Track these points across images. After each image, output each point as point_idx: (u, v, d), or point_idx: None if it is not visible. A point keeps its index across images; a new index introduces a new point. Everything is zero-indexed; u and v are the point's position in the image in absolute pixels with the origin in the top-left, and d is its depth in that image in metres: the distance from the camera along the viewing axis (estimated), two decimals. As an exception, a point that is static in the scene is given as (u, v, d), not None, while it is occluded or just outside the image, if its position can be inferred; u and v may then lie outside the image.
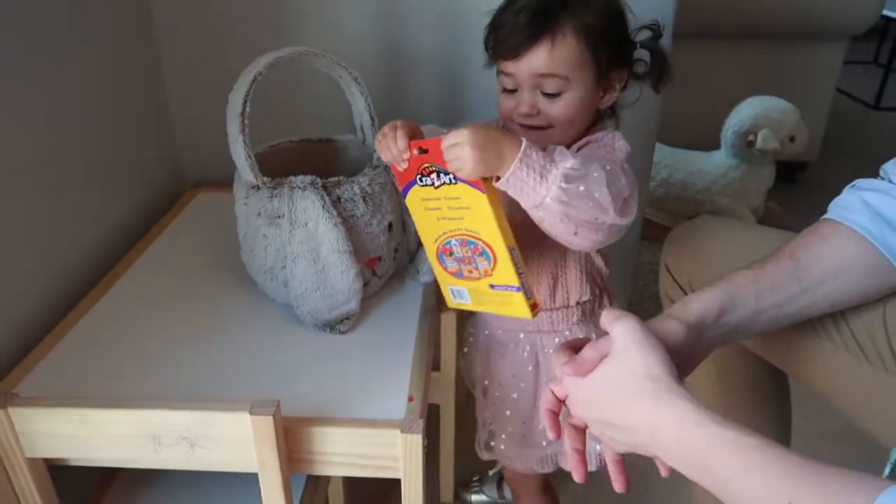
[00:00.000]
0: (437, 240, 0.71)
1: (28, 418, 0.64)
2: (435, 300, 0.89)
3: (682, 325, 0.60)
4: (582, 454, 0.61)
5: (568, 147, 0.69)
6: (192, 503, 0.78)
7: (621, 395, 0.53)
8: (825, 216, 0.67)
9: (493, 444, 0.90)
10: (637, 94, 0.78)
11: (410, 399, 0.70)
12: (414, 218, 0.72)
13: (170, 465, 0.67)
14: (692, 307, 0.62)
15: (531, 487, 1.00)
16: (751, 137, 1.71)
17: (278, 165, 0.85)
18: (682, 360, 0.58)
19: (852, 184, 0.68)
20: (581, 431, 0.61)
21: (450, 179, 0.65)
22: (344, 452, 0.67)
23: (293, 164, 0.87)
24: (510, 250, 0.66)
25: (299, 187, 0.78)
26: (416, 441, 0.65)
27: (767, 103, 1.73)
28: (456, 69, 1.11)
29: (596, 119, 0.77)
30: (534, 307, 0.69)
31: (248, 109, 0.77)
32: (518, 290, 0.68)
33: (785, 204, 1.99)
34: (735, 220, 0.90)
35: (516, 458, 0.89)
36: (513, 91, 0.74)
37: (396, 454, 0.66)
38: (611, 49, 0.73)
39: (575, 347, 0.60)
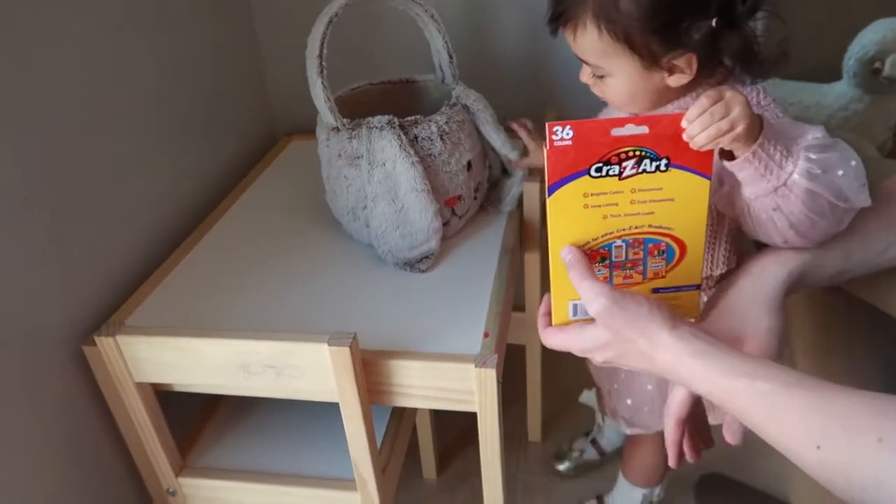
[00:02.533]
0: (588, 243, 0.57)
1: (134, 346, 0.70)
2: (517, 238, 0.88)
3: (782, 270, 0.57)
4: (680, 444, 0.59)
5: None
6: (282, 432, 0.83)
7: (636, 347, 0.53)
8: None
9: (632, 417, 0.88)
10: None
11: (486, 335, 0.70)
12: (553, 220, 0.56)
13: (258, 393, 0.72)
14: (788, 255, 0.58)
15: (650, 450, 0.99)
16: (877, 65, 1.55)
17: (359, 108, 0.86)
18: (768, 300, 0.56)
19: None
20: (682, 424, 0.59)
21: (663, 165, 0.53)
22: (421, 385, 0.69)
23: (375, 106, 0.87)
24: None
25: (377, 127, 0.78)
26: (491, 375, 0.66)
27: (898, 25, 1.55)
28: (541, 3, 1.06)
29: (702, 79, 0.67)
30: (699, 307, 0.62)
31: (325, 51, 0.78)
32: (696, 288, 0.60)
33: (918, 139, 1.80)
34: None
35: (654, 425, 0.87)
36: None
37: (472, 388, 0.67)
38: (655, 38, 0.63)
39: None
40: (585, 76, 0.71)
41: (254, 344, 0.67)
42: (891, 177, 0.61)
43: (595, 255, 0.57)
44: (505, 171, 0.91)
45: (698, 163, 0.53)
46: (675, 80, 0.66)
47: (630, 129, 0.52)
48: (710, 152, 0.53)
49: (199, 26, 1.00)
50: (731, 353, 0.49)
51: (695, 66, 0.64)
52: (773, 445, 0.45)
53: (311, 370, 0.67)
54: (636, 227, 0.56)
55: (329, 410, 0.73)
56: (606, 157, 0.52)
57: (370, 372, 0.68)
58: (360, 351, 0.67)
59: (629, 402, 0.87)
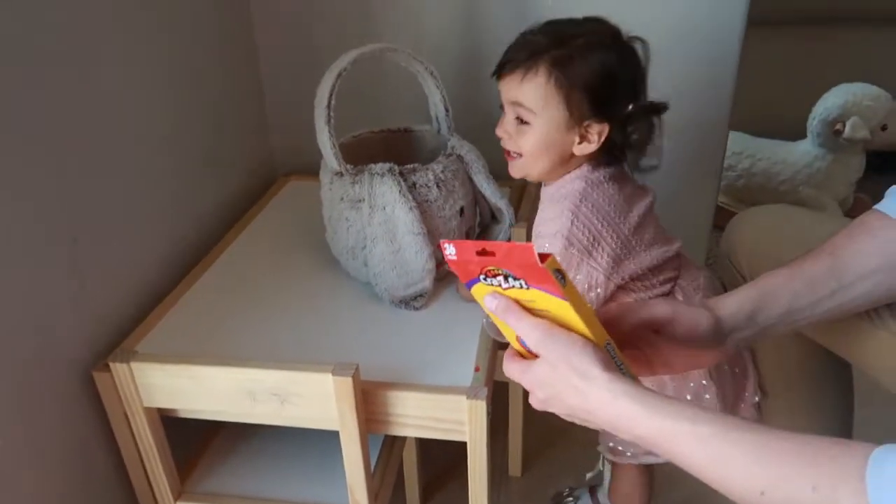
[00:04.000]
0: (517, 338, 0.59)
1: (146, 372, 0.74)
2: (504, 281, 0.94)
3: (711, 318, 0.62)
4: None
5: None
6: (281, 458, 0.87)
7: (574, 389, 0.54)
8: (876, 206, 0.67)
9: (619, 448, 0.90)
10: (657, 162, 0.80)
11: (477, 369, 0.76)
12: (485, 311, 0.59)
13: (263, 420, 0.76)
14: (727, 303, 0.64)
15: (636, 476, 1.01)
16: (839, 126, 1.66)
17: (360, 154, 0.93)
18: (709, 345, 0.62)
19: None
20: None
21: (520, 284, 0.55)
22: (416, 415, 0.74)
23: (374, 153, 0.94)
24: (606, 347, 0.57)
25: (378, 174, 0.84)
26: (481, 406, 0.71)
27: (857, 90, 1.67)
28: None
29: (582, 160, 0.79)
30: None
31: (333, 102, 0.85)
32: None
33: (878, 196, 1.91)
34: (796, 208, 0.91)
35: (639, 457, 0.90)
36: (502, 112, 0.80)
37: (463, 418, 0.72)
38: (588, 101, 0.74)
39: None
40: (508, 125, 0.78)
41: (262, 373, 0.72)
42: (837, 233, 0.68)
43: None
44: (494, 217, 0.98)
45: (550, 287, 0.53)
46: (581, 149, 0.77)
47: (484, 254, 0.55)
48: (551, 279, 0.53)
49: (208, 72, 1.06)
50: (667, 397, 0.50)
51: (602, 139, 0.76)
52: (713, 487, 0.47)
53: (314, 399, 0.72)
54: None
55: (325, 438, 0.77)
56: (481, 273, 0.56)
57: (369, 401, 0.73)
58: (362, 381, 0.71)
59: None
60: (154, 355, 0.76)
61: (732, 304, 0.64)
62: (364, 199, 0.85)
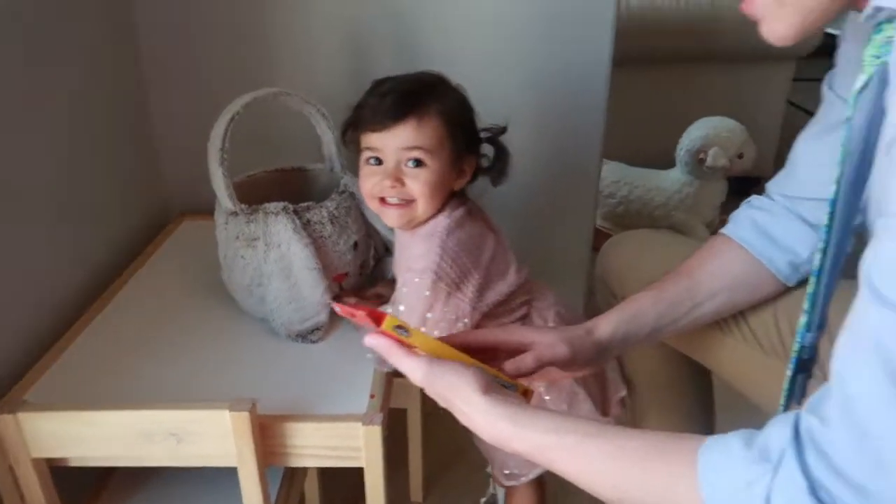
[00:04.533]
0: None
1: (35, 422, 0.73)
2: (398, 311, 0.98)
3: (588, 337, 0.70)
4: None
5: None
6: (178, 499, 0.87)
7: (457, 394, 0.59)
8: (721, 230, 0.78)
9: (515, 471, 0.94)
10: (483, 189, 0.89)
11: (372, 396, 0.79)
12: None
13: (160, 462, 0.76)
14: (602, 328, 0.72)
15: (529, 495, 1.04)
16: (702, 155, 1.84)
17: (255, 193, 0.95)
18: (582, 362, 0.69)
19: (748, 199, 0.79)
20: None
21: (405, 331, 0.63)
22: (314, 444, 0.76)
23: (269, 192, 0.96)
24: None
25: (273, 212, 0.87)
26: (377, 432, 0.75)
27: (716, 123, 1.85)
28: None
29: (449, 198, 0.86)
30: (525, 393, 0.67)
31: (227, 144, 0.87)
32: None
33: (740, 217, 2.11)
34: (660, 232, 1.01)
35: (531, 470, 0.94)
36: (375, 165, 0.82)
37: (359, 445, 0.75)
38: (464, 137, 0.84)
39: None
40: (395, 174, 0.80)
41: (158, 414, 0.72)
42: (692, 256, 0.78)
43: None
44: (387, 250, 1.03)
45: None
46: (460, 183, 0.86)
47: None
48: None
49: (94, 109, 1.06)
50: (538, 412, 0.57)
51: (472, 171, 0.85)
52: (586, 490, 0.53)
53: (211, 436, 0.73)
54: None
55: (221, 475, 0.78)
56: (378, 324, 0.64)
57: (267, 435, 0.75)
58: (259, 416, 0.74)
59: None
60: (43, 404, 0.74)
61: (608, 328, 0.72)
62: (259, 238, 0.88)
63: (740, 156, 1.86)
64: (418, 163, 0.81)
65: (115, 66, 1.13)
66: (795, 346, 0.60)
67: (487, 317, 0.87)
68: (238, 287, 0.93)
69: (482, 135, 0.87)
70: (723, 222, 2.11)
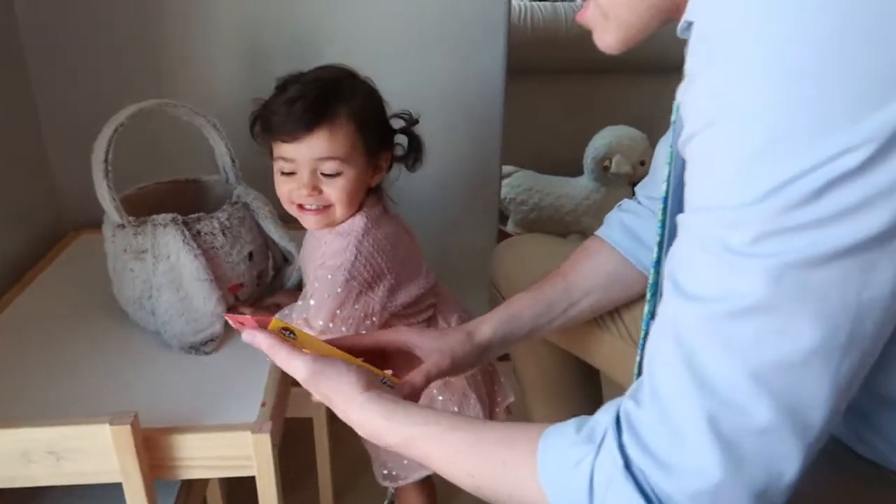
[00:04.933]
0: None
1: None
2: (296, 320, 0.99)
3: (469, 341, 0.73)
4: None
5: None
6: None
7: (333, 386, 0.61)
8: (596, 232, 0.82)
9: (393, 472, 0.94)
10: (398, 175, 0.92)
11: (263, 405, 0.80)
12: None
13: (40, 481, 0.74)
14: (483, 329, 0.75)
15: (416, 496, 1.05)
16: (606, 163, 1.92)
17: (148, 205, 0.94)
18: (466, 365, 0.72)
19: (620, 203, 0.83)
20: None
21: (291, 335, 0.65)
22: (202, 456, 0.76)
23: (162, 204, 0.96)
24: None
25: (161, 224, 0.87)
26: (265, 440, 0.75)
27: (619, 132, 1.94)
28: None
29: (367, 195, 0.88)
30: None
31: (111, 157, 0.86)
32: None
33: (647, 221, 2.21)
34: (546, 237, 1.06)
35: (411, 474, 0.95)
36: (290, 174, 0.83)
37: (249, 454, 0.76)
38: (377, 133, 0.85)
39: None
40: (311, 183, 0.81)
41: (35, 431, 0.70)
42: (569, 257, 0.82)
43: None
44: (286, 260, 1.03)
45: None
46: (375, 180, 0.86)
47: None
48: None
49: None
50: (412, 407, 0.59)
51: (389, 164, 0.86)
52: (450, 480, 0.55)
53: (93, 452, 0.71)
54: None
55: (115, 490, 0.76)
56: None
57: (153, 448, 0.74)
58: (143, 429, 0.73)
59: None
60: None
61: (488, 331, 0.75)
62: (147, 250, 0.87)
63: (642, 163, 1.94)
64: (328, 174, 0.81)
65: (2, 79, 1.09)
66: (641, 334, 0.65)
67: (396, 317, 0.88)
68: (128, 300, 0.91)
69: (394, 125, 0.88)
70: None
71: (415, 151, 0.88)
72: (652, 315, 0.61)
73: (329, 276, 0.84)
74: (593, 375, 0.97)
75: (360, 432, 0.60)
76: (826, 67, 0.36)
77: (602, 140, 1.93)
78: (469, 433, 0.54)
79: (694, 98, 0.42)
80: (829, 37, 0.36)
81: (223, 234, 0.90)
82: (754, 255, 0.39)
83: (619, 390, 0.87)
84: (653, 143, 1.97)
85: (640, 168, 1.95)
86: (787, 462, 0.41)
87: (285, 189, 0.84)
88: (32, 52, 1.15)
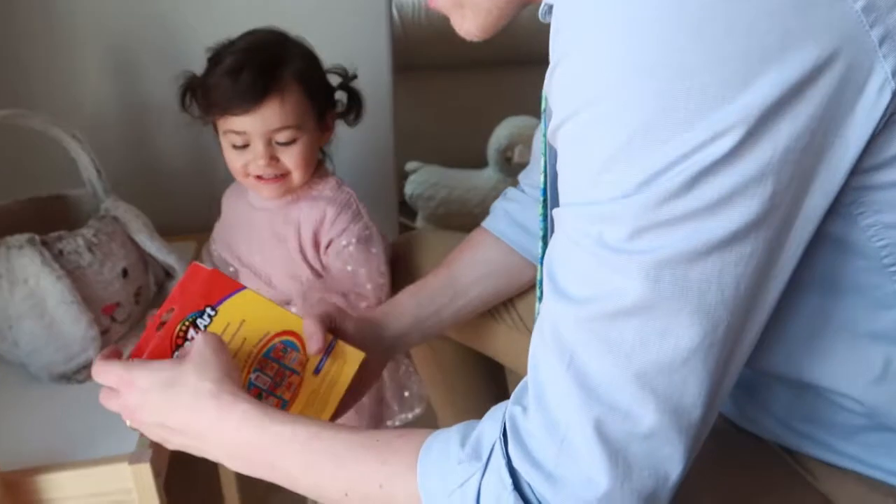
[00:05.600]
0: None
1: None
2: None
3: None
4: None
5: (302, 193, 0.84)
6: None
7: (182, 400, 0.53)
8: (482, 224, 0.80)
9: None
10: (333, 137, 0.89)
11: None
12: None
13: None
14: (360, 327, 0.70)
15: None
16: (509, 153, 1.92)
17: (5, 226, 0.85)
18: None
19: (504, 192, 0.82)
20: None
21: (209, 314, 0.58)
22: (77, 495, 0.69)
23: (23, 223, 0.87)
24: (304, 321, 0.64)
25: (15, 246, 0.79)
26: (146, 470, 0.69)
27: (519, 122, 1.94)
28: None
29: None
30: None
31: (-51, 175, 0.78)
32: (335, 340, 0.64)
33: (555, 209, 2.23)
34: (440, 232, 1.04)
35: None
36: (243, 147, 0.79)
37: (130, 486, 0.70)
38: (322, 93, 0.83)
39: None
40: (264, 159, 0.77)
41: None
42: (455, 248, 0.80)
43: (254, 392, 0.61)
44: (168, 275, 0.97)
45: (229, 288, 0.61)
46: (325, 138, 0.84)
47: (166, 317, 0.58)
48: (225, 280, 0.61)
49: None
50: (271, 409, 0.52)
51: (333, 122, 0.84)
52: (311, 496, 0.50)
53: (-59, 504, 0.64)
54: (249, 355, 0.62)
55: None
56: (173, 347, 0.58)
57: (16, 492, 0.67)
58: (2, 475, 0.66)
59: None
60: None
61: (359, 324, 0.71)
62: (2, 275, 0.79)
63: (544, 151, 1.96)
64: (283, 143, 0.79)
65: None
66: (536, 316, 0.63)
67: None
68: (-14, 332, 0.83)
69: (332, 83, 0.85)
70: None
71: (356, 106, 0.87)
72: (541, 297, 0.60)
73: (361, 243, 0.84)
74: (497, 370, 0.96)
75: (207, 438, 0.52)
76: (687, 52, 0.35)
77: (503, 131, 1.94)
78: (335, 442, 0.48)
79: (559, 85, 0.40)
80: (690, 20, 0.35)
81: (90, 251, 0.83)
82: (630, 252, 0.37)
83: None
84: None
85: (543, 156, 1.96)
86: (673, 462, 0.39)
87: (240, 162, 0.80)
88: None
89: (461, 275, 0.75)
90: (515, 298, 0.80)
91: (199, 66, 1.10)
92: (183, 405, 0.52)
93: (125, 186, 0.96)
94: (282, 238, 0.86)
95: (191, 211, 1.16)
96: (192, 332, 0.60)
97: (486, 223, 0.79)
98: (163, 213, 0.98)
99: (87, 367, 0.83)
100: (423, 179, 2.00)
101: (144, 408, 0.55)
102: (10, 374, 0.83)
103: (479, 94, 2.23)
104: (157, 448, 0.72)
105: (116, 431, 0.74)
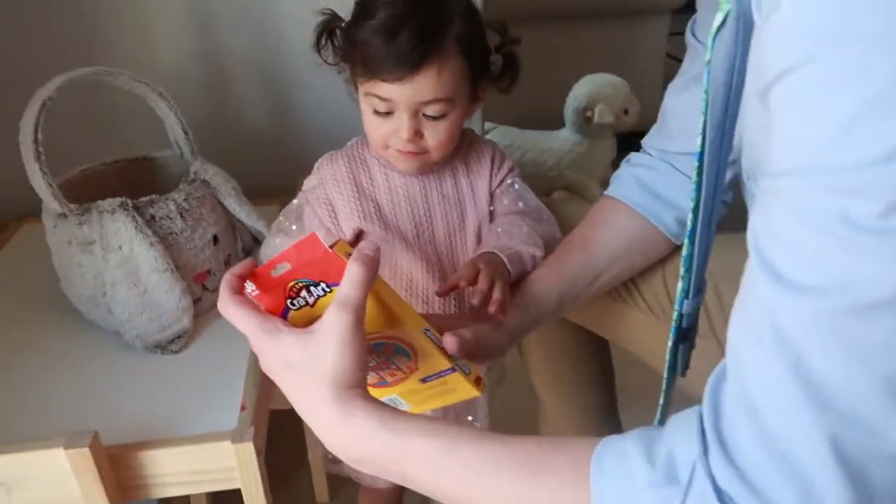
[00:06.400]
0: None
1: None
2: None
3: (499, 333, 0.63)
4: None
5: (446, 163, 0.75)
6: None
7: (308, 394, 0.48)
8: (606, 192, 0.73)
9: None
10: None
11: (243, 408, 0.71)
12: None
13: (-9, 515, 0.65)
14: (510, 319, 0.64)
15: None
16: (588, 113, 1.82)
17: (93, 189, 0.83)
18: (490, 349, 0.62)
19: (627, 157, 0.74)
20: None
21: (324, 287, 0.51)
22: (178, 472, 0.67)
23: (111, 187, 0.84)
24: (425, 333, 0.55)
25: (108, 210, 0.76)
26: (249, 449, 0.66)
27: (599, 80, 1.83)
28: (278, 69, 1.11)
29: None
30: (478, 381, 0.59)
31: (41, 136, 0.75)
32: (452, 371, 0.57)
33: (632, 172, 2.13)
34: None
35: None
36: (386, 114, 0.68)
37: (232, 464, 0.67)
38: (481, 59, 0.70)
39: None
40: (409, 132, 0.67)
41: (-26, 463, 0.61)
42: (582, 224, 0.73)
43: None
44: (257, 241, 0.93)
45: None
46: (472, 112, 0.73)
47: (279, 269, 0.51)
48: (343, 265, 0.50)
49: None
50: (405, 414, 0.47)
51: (483, 92, 0.72)
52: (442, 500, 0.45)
53: (48, 480, 0.62)
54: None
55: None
56: (287, 296, 0.52)
57: (120, 467, 0.65)
58: (105, 448, 0.63)
59: None
60: None
61: (514, 319, 0.65)
62: (95, 241, 0.76)
63: (626, 111, 1.85)
64: (439, 113, 0.68)
65: None
66: (675, 315, 0.56)
67: None
68: (80, 298, 0.81)
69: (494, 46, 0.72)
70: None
71: (511, 70, 0.72)
72: (686, 294, 0.52)
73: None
74: (603, 346, 0.90)
75: (327, 440, 0.48)
76: None
77: (582, 89, 1.83)
78: (482, 457, 0.42)
79: (780, 27, 0.32)
80: None
81: (181, 217, 0.80)
82: (885, 232, 0.30)
83: (640, 368, 0.80)
84: (635, 90, 1.88)
85: (624, 117, 1.85)
86: None
87: (380, 132, 0.70)
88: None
89: (600, 254, 0.69)
90: (637, 277, 0.74)
91: (281, 22, 1.06)
92: (309, 398, 0.48)
93: (205, 147, 0.92)
94: (454, 201, 0.76)
95: (273, 173, 1.12)
96: (304, 293, 0.52)
97: (613, 192, 0.72)
98: (244, 176, 0.94)
99: (181, 336, 0.80)
100: (496, 140, 1.92)
101: (273, 371, 0.50)
102: (104, 341, 0.81)
103: (555, 51, 2.12)
104: (258, 425, 0.69)
105: (216, 405, 0.72)
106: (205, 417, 0.70)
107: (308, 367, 0.47)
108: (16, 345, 0.81)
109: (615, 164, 2.02)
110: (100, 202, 0.76)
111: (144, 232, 0.76)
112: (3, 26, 1.02)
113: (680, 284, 0.52)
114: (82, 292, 0.79)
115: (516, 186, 0.78)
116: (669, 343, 0.55)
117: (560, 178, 1.91)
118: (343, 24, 0.71)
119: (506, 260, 0.67)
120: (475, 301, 0.62)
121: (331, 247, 0.50)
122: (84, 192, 0.81)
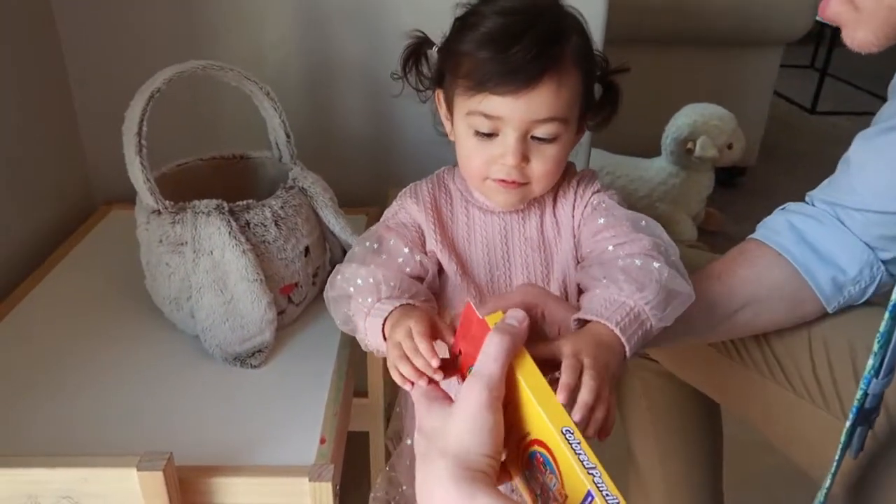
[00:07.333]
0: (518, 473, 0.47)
1: None
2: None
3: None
4: None
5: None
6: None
7: (431, 471, 0.42)
8: (752, 235, 0.65)
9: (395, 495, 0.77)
10: None
11: (322, 441, 0.65)
12: None
13: (54, 525, 0.61)
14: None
15: None
16: (689, 145, 1.72)
17: (188, 185, 0.80)
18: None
19: (782, 206, 0.66)
20: None
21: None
22: (248, 503, 0.62)
23: (205, 184, 0.81)
24: (563, 434, 0.42)
25: (203, 212, 0.72)
26: (327, 489, 0.61)
27: (705, 111, 1.74)
28: (382, 77, 1.06)
29: None
30: None
31: (145, 129, 0.71)
32: (591, 498, 0.41)
33: (724, 209, 2.01)
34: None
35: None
36: (490, 136, 0.60)
37: (307, 502, 0.62)
38: (593, 81, 0.62)
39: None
40: (516, 157, 0.58)
41: (44, 472, 0.57)
42: (718, 259, 0.65)
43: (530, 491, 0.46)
44: (346, 254, 0.88)
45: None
46: (576, 143, 0.63)
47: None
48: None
49: (8, 88, 0.88)
50: None
51: (585, 123, 0.63)
52: None
53: (115, 499, 0.58)
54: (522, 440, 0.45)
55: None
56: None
57: (189, 492, 0.61)
58: (177, 469, 0.59)
59: (404, 488, 0.77)
60: None
61: None
62: (187, 243, 0.73)
63: (730, 146, 1.74)
64: (550, 136, 0.59)
65: (32, 39, 0.95)
66: (858, 394, 0.48)
67: None
68: (164, 299, 0.77)
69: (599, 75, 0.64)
70: (709, 214, 2.02)
71: (611, 103, 0.64)
72: (877, 372, 0.44)
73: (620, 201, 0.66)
74: (713, 411, 0.81)
75: None
76: None
77: (685, 119, 1.73)
78: None
79: None
80: None
81: (276, 225, 0.75)
82: None
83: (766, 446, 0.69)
84: (743, 122, 1.77)
85: (727, 152, 1.75)
86: None
87: (481, 158, 0.60)
88: (62, 11, 1.00)
89: (736, 291, 0.61)
90: (772, 335, 0.65)
91: (397, 26, 1.01)
92: (428, 469, 0.42)
93: (300, 150, 0.87)
94: (536, 245, 0.66)
95: (362, 182, 1.08)
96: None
97: (762, 236, 0.64)
98: (334, 184, 0.89)
99: (262, 350, 0.76)
100: (585, 163, 1.84)
101: (416, 441, 0.45)
102: (184, 345, 0.78)
103: (656, 74, 2.02)
104: (337, 463, 0.64)
105: (293, 434, 0.67)
106: (280, 446, 0.65)
107: (435, 436, 0.42)
108: (94, 341, 0.78)
109: (710, 200, 1.92)
110: (196, 202, 0.73)
111: (238, 239, 0.72)
112: (112, 15, 1.01)
113: (870, 361, 0.45)
114: (167, 293, 0.76)
115: (605, 203, 0.65)
116: (847, 424, 0.48)
117: (650, 208, 1.81)
118: (437, 45, 0.64)
119: (618, 331, 0.53)
120: (577, 418, 0.46)
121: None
122: (178, 186, 0.78)
